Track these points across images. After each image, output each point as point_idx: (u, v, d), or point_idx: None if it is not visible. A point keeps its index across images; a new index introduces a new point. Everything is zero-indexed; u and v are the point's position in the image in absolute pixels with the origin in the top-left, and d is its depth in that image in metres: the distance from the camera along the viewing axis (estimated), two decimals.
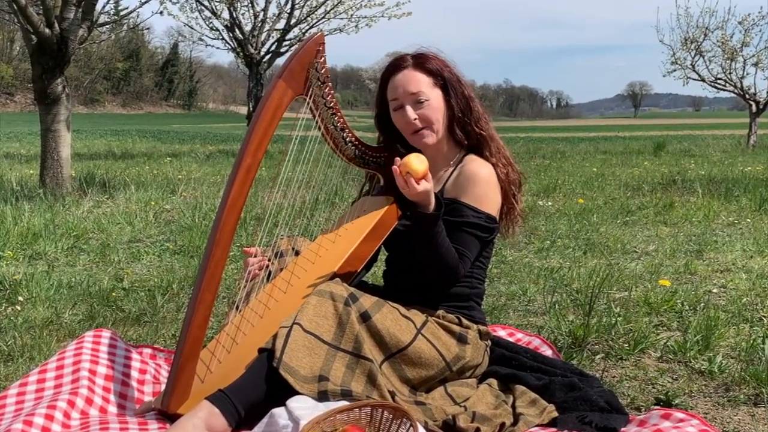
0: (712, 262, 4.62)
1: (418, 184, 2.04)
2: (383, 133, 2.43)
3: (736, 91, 20.77)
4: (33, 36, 7.43)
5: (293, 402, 1.86)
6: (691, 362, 2.77)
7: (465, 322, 2.28)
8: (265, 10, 16.93)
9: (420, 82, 2.28)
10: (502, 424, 2.05)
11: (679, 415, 2.03)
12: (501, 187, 2.29)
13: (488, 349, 2.38)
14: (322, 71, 2.17)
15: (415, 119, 2.28)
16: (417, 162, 2.05)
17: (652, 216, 6.67)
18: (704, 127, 47.18)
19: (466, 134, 2.33)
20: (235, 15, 16.49)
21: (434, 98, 2.28)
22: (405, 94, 2.28)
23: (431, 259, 2.15)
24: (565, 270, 4.33)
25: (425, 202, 2.09)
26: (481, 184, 2.24)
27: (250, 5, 16.81)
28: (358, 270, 2.27)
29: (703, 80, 21.19)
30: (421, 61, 2.30)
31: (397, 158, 2.07)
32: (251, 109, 16.73)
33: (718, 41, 20.61)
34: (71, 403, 2.02)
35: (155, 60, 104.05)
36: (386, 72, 2.34)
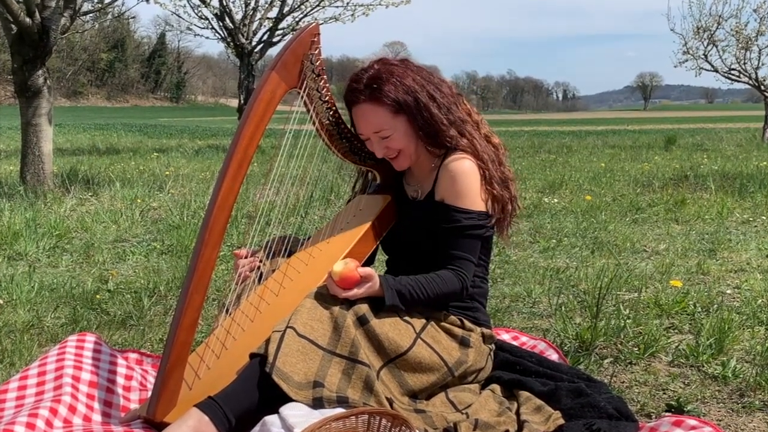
0: (725, 262, 4.62)
1: (339, 287, 2.05)
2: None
3: (750, 82, 20.78)
4: (13, 25, 7.42)
5: (287, 409, 1.86)
6: (703, 367, 2.77)
7: (468, 324, 2.28)
8: None
9: (379, 118, 2.25)
10: None
11: (692, 422, 2.03)
12: None
13: (492, 353, 2.38)
14: (317, 63, 2.17)
15: (383, 153, 2.30)
16: (338, 264, 2.07)
17: (662, 213, 6.68)
18: (717, 120, 47.27)
19: (439, 147, 2.31)
20: (225, 3, 16.46)
21: (397, 128, 2.26)
22: (367, 132, 2.29)
23: (431, 303, 2.21)
24: (572, 270, 4.33)
25: (372, 296, 2.11)
26: (463, 178, 2.23)
27: None
28: None
29: (716, 71, 21.20)
30: (377, 94, 2.22)
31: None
32: (242, 101, 16.72)
33: (731, 30, 20.62)
34: (53, 411, 2.01)
35: (141, 50, 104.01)
36: (345, 98, 2.32)
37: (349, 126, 2.35)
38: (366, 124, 2.27)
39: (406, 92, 2.23)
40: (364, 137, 2.32)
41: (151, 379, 2.44)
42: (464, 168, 2.24)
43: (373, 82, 2.24)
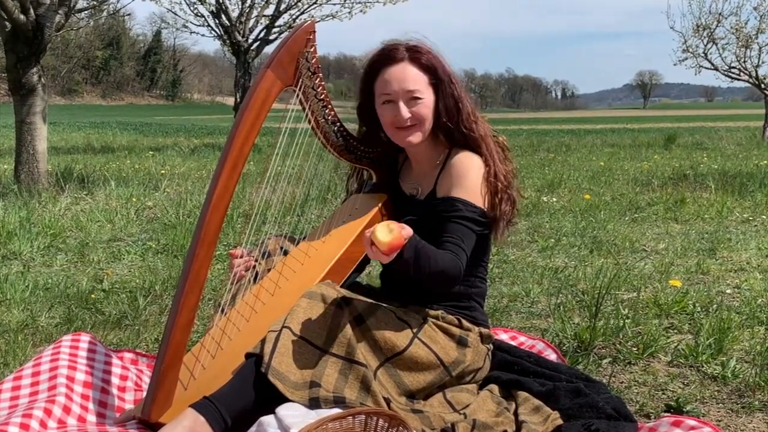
0: (725, 261, 4.63)
1: (385, 255, 1.97)
2: (366, 125, 2.42)
3: (750, 80, 20.80)
4: (7, 23, 7.41)
5: (283, 409, 1.86)
6: (703, 367, 2.78)
7: (465, 324, 2.28)
8: None
9: (417, 80, 2.26)
10: None
11: (691, 422, 2.03)
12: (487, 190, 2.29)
13: (490, 353, 2.38)
14: (313, 61, 2.18)
15: (408, 117, 2.27)
16: (382, 233, 1.98)
17: (662, 212, 6.69)
18: (717, 119, 47.36)
19: (450, 136, 2.31)
20: (221, 0, 16.46)
21: (428, 97, 2.27)
22: (400, 91, 2.26)
23: (430, 278, 2.13)
24: (571, 270, 4.34)
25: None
26: (472, 175, 2.23)
27: None
28: (350, 271, 2.27)
29: (716, 69, 21.22)
30: (417, 56, 2.27)
31: (367, 232, 1.99)
32: (238, 100, 16.72)
33: (731, 28, 20.64)
34: (48, 412, 2.01)
35: (137, 48, 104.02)
36: (377, 62, 2.30)
37: (345, 125, 2.35)
38: (403, 80, 2.25)
39: (443, 70, 2.28)
40: (389, 98, 2.28)
41: (147, 380, 2.44)
42: (475, 164, 2.25)
43: (415, 48, 2.28)
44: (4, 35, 7.55)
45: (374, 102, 2.33)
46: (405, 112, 2.26)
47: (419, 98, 2.25)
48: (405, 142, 2.31)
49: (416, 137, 2.29)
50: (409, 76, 2.26)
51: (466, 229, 2.21)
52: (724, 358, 2.82)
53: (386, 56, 2.28)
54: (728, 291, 3.90)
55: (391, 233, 1.97)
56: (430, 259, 2.09)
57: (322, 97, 2.25)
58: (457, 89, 2.29)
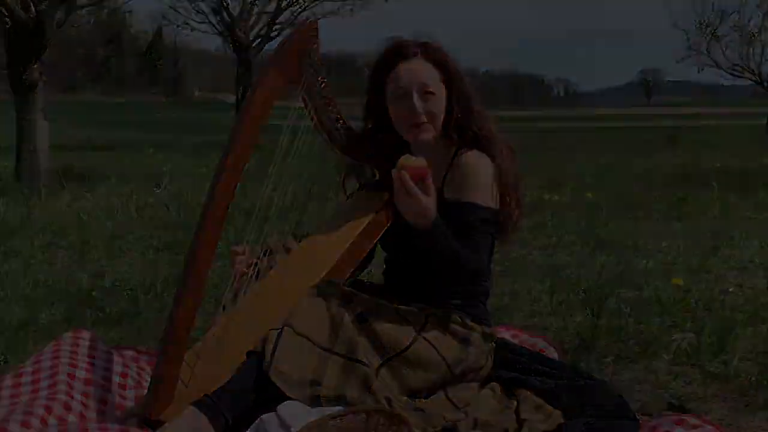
0: (728, 259, 4.62)
1: (412, 178, 1.95)
2: (373, 121, 2.40)
3: (753, 78, 20.84)
4: (7, 19, 7.41)
5: (284, 408, 1.86)
6: (705, 365, 2.77)
7: (468, 322, 2.27)
8: None
9: (430, 74, 2.26)
10: (505, 431, 2.05)
11: (693, 420, 2.03)
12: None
13: (492, 351, 2.38)
14: (316, 59, 2.17)
15: (422, 110, 2.26)
16: (409, 158, 1.99)
17: (665, 211, 6.69)
18: (720, 117, 47.32)
19: (461, 135, 2.31)
20: None
21: (440, 93, 2.28)
22: (414, 84, 2.25)
23: (449, 265, 2.12)
24: (573, 268, 4.33)
25: (425, 219, 2.03)
26: (481, 174, 2.23)
27: None
28: (353, 269, 2.27)
29: (719, 67, 21.24)
30: (430, 52, 2.28)
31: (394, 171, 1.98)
32: (240, 97, 16.74)
33: (734, 26, 20.67)
34: (48, 409, 2.01)
35: (138, 45, 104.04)
36: (388, 57, 2.30)
37: (347, 122, 2.34)
38: (417, 75, 2.25)
39: (453, 66, 2.29)
40: (402, 92, 2.26)
41: (147, 377, 2.44)
42: (482, 163, 2.24)
43: (428, 46, 2.29)
44: (4, 32, 7.56)
45: (384, 98, 2.32)
46: (420, 106, 2.25)
47: (432, 93, 2.25)
48: (417, 140, 2.30)
49: (427, 134, 2.28)
50: (423, 71, 2.26)
51: (479, 231, 2.20)
52: (727, 357, 2.81)
53: (398, 52, 2.28)
54: (731, 289, 3.90)
55: (415, 160, 1.99)
56: (451, 239, 2.08)
57: (325, 94, 2.24)
58: (468, 87, 2.31)
